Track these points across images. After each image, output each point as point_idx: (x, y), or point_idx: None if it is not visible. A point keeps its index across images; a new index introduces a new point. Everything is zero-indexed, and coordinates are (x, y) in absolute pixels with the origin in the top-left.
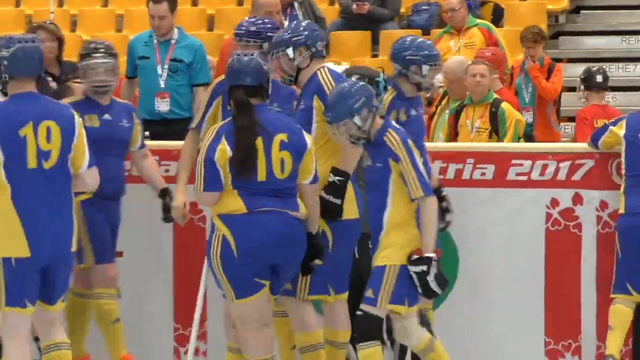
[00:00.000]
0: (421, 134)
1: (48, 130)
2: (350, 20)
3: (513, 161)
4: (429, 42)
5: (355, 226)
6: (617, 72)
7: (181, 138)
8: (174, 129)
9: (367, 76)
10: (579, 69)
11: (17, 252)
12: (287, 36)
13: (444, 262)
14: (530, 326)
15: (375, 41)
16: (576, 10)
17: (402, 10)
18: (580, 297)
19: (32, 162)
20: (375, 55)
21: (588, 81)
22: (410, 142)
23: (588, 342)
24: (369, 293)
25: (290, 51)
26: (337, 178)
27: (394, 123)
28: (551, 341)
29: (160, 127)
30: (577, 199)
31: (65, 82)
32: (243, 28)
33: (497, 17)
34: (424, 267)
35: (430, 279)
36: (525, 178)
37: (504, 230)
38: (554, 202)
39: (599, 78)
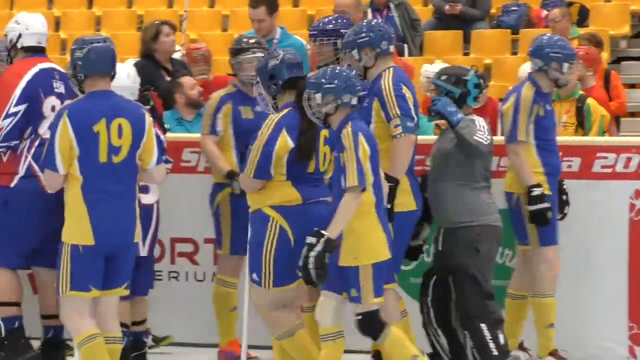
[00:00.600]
0: (554, 128)
1: (120, 127)
2: (443, 21)
3: (598, 154)
4: (567, 41)
5: (410, 217)
6: None
7: None
8: None
9: (457, 75)
10: None
11: (83, 240)
12: (352, 38)
13: None
14: (615, 312)
15: (466, 40)
16: None
17: (492, 10)
18: None
19: (103, 157)
20: (466, 54)
21: None
22: (362, 138)
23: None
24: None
25: (355, 53)
26: (389, 184)
27: (360, 124)
28: (634, 326)
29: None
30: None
31: (176, 77)
32: (316, 28)
33: (583, 17)
34: (314, 240)
35: (312, 259)
36: (609, 170)
37: (589, 220)
38: (638, 193)
39: None
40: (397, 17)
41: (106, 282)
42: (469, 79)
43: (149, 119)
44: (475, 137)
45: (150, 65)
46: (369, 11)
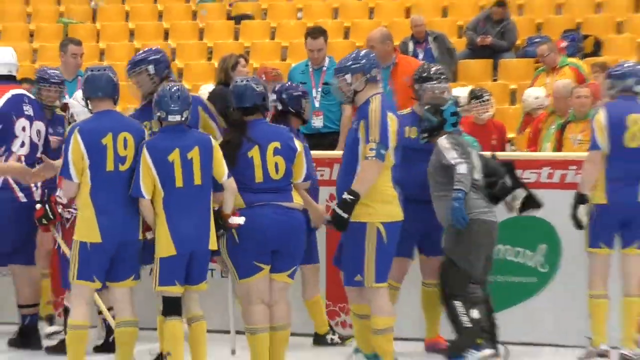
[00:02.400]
0: None
1: (125, 140)
2: (475, 51)
3: None
4: None
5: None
6: None
7: (333, 148)
8: (327, 141)
9: (435, 106)
10: None
11: (92, 238)
12: (348, 64)
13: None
14: None
15: (495, 68)
16: None
17: (518, 42)
18: None
19: (110, 166)
20: (495, 80)
21: None
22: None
23: None
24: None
25: (348, 77)
26: (349, 197)
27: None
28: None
29: (316, 139)
30: None
31: None
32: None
33: (597, 48)
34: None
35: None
36: None
37: None
38: None
39: None
40: (434, 48)
41: (114, 275)
42: (445, 109)
43: (147, 131)
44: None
45: (227, 91)
46: (410, 43)
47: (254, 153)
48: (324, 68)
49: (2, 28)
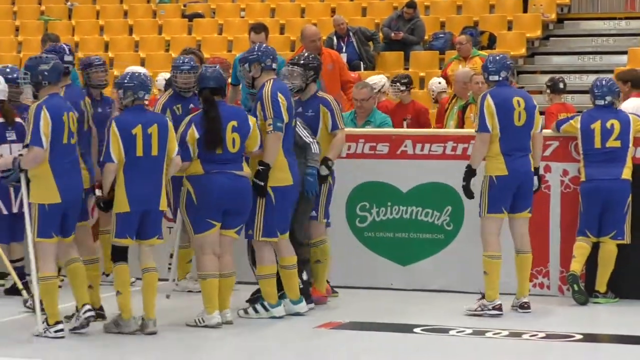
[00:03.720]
0: None
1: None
2: (389, 44)
3: None
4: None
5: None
6: (574, 81)
7: None
8: None
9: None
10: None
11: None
12: (247, 55)
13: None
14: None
15: (407, 59)
16: (546, 37)
17: (426, 37)
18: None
19: (139, 152)
20: (406, 69)
21: (553, 87)
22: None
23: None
24: None
25: (247, 66)
26: (261, 167)
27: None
28: None
29: None
30: (547, 169)
31: None
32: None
33: (492, 42)
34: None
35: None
36: None
37: None
38: None
39: (561, 85)
40: (354, 41)
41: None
42: None
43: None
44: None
45: None
46: (334, 38)
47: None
48: None
49: None
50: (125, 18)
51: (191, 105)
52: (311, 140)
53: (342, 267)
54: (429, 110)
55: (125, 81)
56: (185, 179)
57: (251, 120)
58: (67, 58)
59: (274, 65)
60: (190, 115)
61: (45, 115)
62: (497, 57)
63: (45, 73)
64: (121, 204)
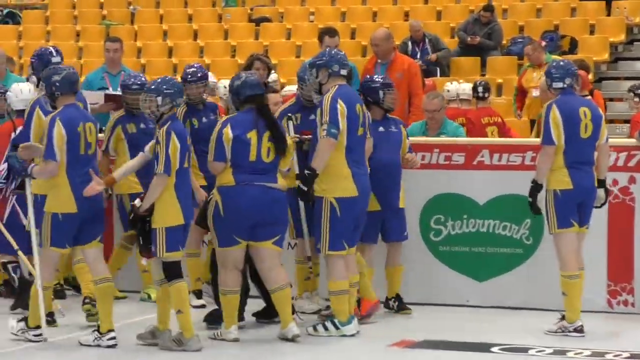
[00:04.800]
0: None
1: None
2: (465, 50)
3: None
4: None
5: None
6: None
7: None
8: None
9: None
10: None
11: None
12: (314, 60)
13: None
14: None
15: (483, 64)
16: (630, 42)
17: (503, 42)
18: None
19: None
20: (483, 75)
21: (638, 93)
22: (173, 135)
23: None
24: None
25: (314, 71)
26: (307, 172)
27: (174, 124)
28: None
29: None
30: (631, 180)
31: None
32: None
33: (573, 47)
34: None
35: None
36: None
37: None
38: (614, 182)
39: None
40: (430, 48)
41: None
42: None
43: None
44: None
45: None
46: (409, 43)
47: (252, 135)
48: None
49: (52, 29)
50: (189, 22)
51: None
52: None
53: (415, 283)
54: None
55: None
56: (215, 189)
57: (289, 137)
58: (55, 59)
59: (343, 72)
60: (229, 116)
61: (59, 129)
62: (562, 63)
63: (57, 84)
64: (174, 216)
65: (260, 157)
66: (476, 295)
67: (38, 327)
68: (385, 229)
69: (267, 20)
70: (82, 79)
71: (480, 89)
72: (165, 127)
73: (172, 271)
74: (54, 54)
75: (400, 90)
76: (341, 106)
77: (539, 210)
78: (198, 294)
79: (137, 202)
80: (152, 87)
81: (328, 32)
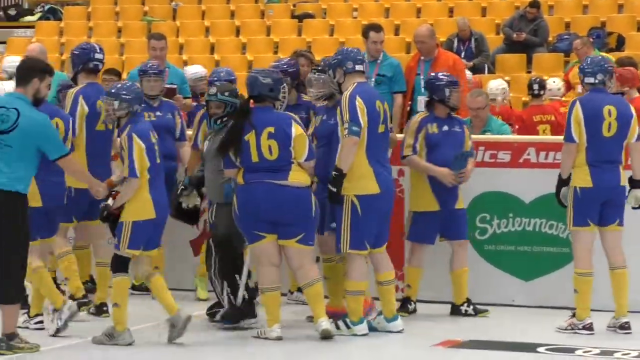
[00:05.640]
0: None
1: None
2: (510, 46)
3: None
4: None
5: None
6: None
7: None
8: None
9: (233, 90)
10: None
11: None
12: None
13: None
14: None
15: (529, 61)
16: None
17: (549, 38)
18: None
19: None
20: (529, 72)
21: None
22: (135, 137)
23: None
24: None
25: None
26: (334, 173)
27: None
28: None
29: None
30: None
31: None
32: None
33: (620, 44)
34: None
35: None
36: None
37: None
38: None
39: None
40: (474, 47)
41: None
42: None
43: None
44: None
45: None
46: (455, 40)
47: (250, 137)
48: (378, 61)
49: (94, 25)
50: (232, 19)
51: None
52: None
53: None
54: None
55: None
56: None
57: (296, 128)
58: (98, 56)
59: (358, 68)
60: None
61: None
62: (596, 59)
63: None
64: (143, 211)
65: (263, 157)
66: (522, 294)
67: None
68: (445, 229)
69: (310, 16)
70: (124, 75)
71: (535, 86)
72: (126, 131)
73: (119, 265)
74: (97, 50)
75: None
76: (360, 103)
77: (564, 205)
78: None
79: (110, 201)
80: (112, 90)
81: (373, 28)
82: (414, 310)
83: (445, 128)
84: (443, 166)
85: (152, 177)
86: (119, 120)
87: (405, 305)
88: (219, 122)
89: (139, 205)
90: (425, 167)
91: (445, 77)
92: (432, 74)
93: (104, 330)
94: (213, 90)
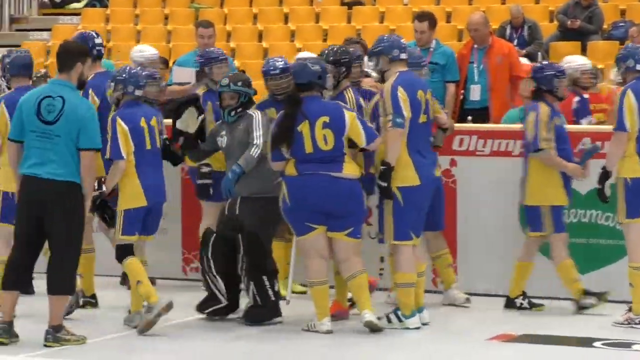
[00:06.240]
0: None
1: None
2: (564, 33)
3: None
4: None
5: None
6: None
7: None
8: None
9: (247, 80)
10: None
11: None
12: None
13: None
14: None
15: (583, 49)
16: None
17: (604, 26)
18: None
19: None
20: None
21: None
22: (118, 120)
23: None
24: None
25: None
26: (382, 167)
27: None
28: None
29: None
30: None
31: None
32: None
33: None
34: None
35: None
36: None
37: None
38: None
39: None
40: (527, 35)
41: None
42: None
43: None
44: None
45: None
46: (508, 28)
47: (304, 127)
48: (431, 49)
49: (140, 12)
50: (280, 6)
51: None
52: (257, 142)
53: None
54: None
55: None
56: (282, 181)
57: (349, 115)
58: (98, 41)
59: (403, 56)
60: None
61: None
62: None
63: (8, 66)
64: (132, 199)
65: (317, 147)
66: None
67: None
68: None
69: (360, 3)
70: (171, 62)
71: None
72: (112, 114)
73: (123, 253)
74: (96, 36)
75: (501, 75)
76: (402, 94)
77: (607, 198)
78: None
79: (103, 188)
80: (115, 74)
81: (416, 16)
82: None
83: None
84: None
85: (140, 162)
86: (118, 102)
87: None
88: (232, 113)
89: (129, 193)
90: (559, 162)
91: (554, 67)
92: (538, 64)
93: (141, 314)
94: (225, 81)
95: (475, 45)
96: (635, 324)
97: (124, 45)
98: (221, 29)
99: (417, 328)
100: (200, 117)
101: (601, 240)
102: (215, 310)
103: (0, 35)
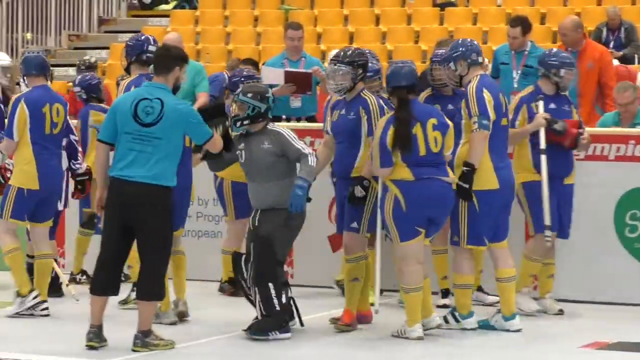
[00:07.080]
0: None
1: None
2: None
3: None
4: None
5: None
6: None
7: None
8: None
9: (260, 93)
10: None
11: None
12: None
13: None
14: None
15: None
16: None
17: None
18: None
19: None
20: None
21: None
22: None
23: None
24: None
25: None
26: (465, 168)
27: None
28: None
29: None
30: None
31: None
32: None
33: None
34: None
35: None
36: None
37: None
38: None
39: None
40: (623, 37)
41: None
42: (269, 96)
43: None
44: None
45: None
46: (604, 30)
47: (417, 130)
48: (526, 52)
49: (230, 14)
50: (371, 7)
51: None
52: (308, 152)
53: (608, 282)
54: None
55: None
56: (393, 185)
57: (447, 119)
58: (151, 48)
59: (481, 60)
60: (387, 116)
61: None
62: None
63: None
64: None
65: (429, 150)
66: None
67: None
68: None
69: (452, 4)
70: (260, 64)
71: None
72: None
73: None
74: (152, 42)
75: (590, 80)
76: (487, 95)
77: None
78: None
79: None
80: None
81: (510, 22)
82: None
83: (553, 106)
84: None
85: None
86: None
87: None
88: (238, 124)
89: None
90: None
91: (559, 57)
92: (548, 50)
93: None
94: (239, 89)
95: (568, 49)
96: None
97: (213, 47)
98: (311, 31)
99: (474, 329)
100: (222, 126)
101: None
102: (255, 325)
103: (89, 37)
